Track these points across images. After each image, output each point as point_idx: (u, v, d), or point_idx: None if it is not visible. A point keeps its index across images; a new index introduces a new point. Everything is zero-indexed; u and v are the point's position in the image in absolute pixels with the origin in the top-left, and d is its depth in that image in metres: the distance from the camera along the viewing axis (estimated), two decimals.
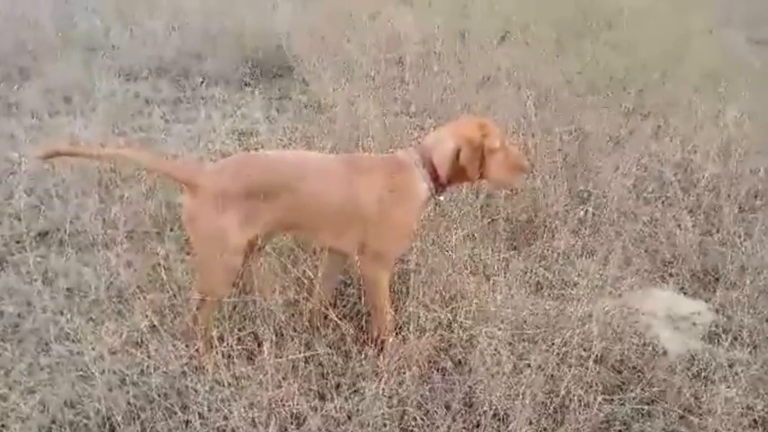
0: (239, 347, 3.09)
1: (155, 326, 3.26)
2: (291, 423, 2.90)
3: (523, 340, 3.41)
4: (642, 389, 3.24)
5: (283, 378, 2.99)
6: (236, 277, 3.29)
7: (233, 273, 3.21)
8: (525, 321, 3.51)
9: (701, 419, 3.13)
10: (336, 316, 3.31)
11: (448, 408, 3.10)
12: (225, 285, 3.23)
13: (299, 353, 3.12)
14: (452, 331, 3.43)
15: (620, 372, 3.44)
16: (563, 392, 3.12)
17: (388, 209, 3.24)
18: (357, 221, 3.24)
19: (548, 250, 4.31)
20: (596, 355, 3.23)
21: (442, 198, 3.53)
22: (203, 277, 3.23)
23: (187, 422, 2.91)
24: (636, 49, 7.74)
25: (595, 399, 3.09)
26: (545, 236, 4.45)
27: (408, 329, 3.28)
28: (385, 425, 2.93)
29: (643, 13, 9.30)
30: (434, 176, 3.34)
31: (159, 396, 2.99)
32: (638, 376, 3.40)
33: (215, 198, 3.08)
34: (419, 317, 3.38)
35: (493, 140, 3.34)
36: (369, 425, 2.92)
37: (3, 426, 2.98)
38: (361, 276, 3.44)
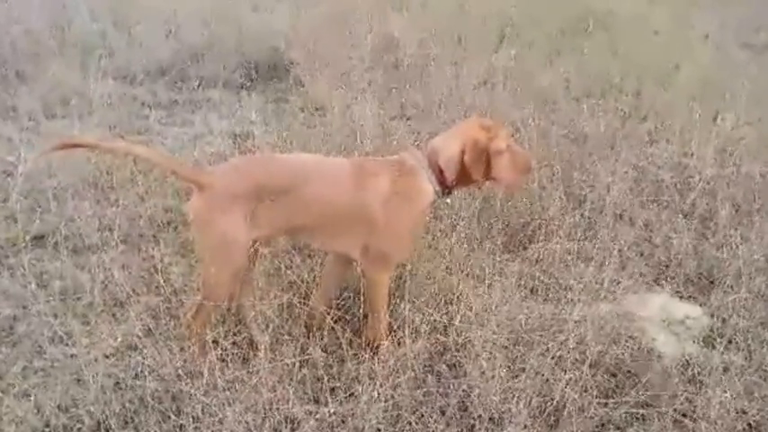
0: (234, 351, 3.09)
1: (149, 329, 3.27)
2: (286, 427, 2.90)
3: (519, 344, 3.40)
4: (637, 393, 3.23)
5: (278, 382, 2.98)
6: (240, 278, 3.27)
7: (238, 273, 3.20)
8: (521, 325, 3.50)
9: (695, 423, 3.13)
10: (331, 319, 3.31)
11: (443, 412, 3.10)
12: (229, 286, 3.22)
13: (294, 357, 3.12)
14: (448, 335, 3.42)
15: (615, 375, 3.44)
16: (558, 396, 3.12)
17: (394, 211, 3.24)
18: (362, 223, 3.25)
19: (544, 254, 4.31)
20: (591, 359, 3.23)
21: (449, 200, 3.52)
22: (207, 277, 3.20)
23: (181, 426, 2.90)
24: (632, 52, 7.74)
25: (590, 403, 3.11)
26: (541, 239, 4.45)
27: (404, 333, 3.27)
28: (380, 429, 2.94)
29: (639, 17, 9.31)
30: (441, 178, 3.34)
31: (153, 400, 2.99)
32: (633, 380, 3.40)
33: (222, 198, 3.09)
34: (414, 320, 3.37)
35: (499, 142, 3.33)
36: (363, 429, 2.92)
37: None
38: (364, 279, 3.44)
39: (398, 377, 3.09)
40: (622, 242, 4.43)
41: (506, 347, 3.32)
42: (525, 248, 4.45)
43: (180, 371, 3.01)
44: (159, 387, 3.05)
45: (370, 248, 3.29)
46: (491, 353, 3.19)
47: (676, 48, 8.05)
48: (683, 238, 4.49)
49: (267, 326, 3.23)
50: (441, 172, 3.32)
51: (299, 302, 3.48)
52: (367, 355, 3.22)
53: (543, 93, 6.57)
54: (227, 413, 2.83)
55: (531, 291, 4.02)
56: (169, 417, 2.95)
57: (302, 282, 3.68)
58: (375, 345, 3.40)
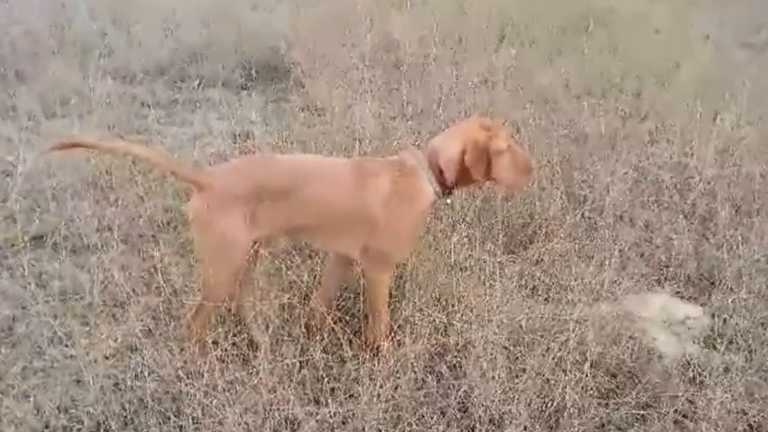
0: (234, 352, 3.09)
1: (149, 330, 3.27)
2: (286, 428, 2.90)
3: (519, 345, 3.40)
4: (637, 393, 3.23)
5: (278, 383, 2.97)
6: (239, 279, 3.26)
7: (237, 273, 3.19)
8: (521, 326, 3.50)
9: (696, 424, 3.12)
10: (331, 320, 3.30)
11: (443, 413, 3.10)
12: (228, 286, 3.21)
13: (294, 357, 3.11)
14: (448, 335, 3.42)
15: (615, 376, 3.43)
16: (558, 397, 3.11)
17: (394, 211, 3.23)
18: (363, 224, 3.24)
19: (544, 254, 4.30)
20: (592, 360, 3.22)
21: (449, 201, 3.51)
22: (207, 278, 3.20)
23: (181, 427, 2.90)
24: (632, 51, 7.73)
25: (591, 403, 3.11)
26: (541, 239, 4.44)
27: (404, 333, 3.27)
28: (380, 430, 2.93)
29: (639, 16, 9.30)
30: (441, 179, 3.33)
31: (153, 401, 2.99)
32: (634, 381, 3.39)
33: (222, 198, 3.09)
34: (415, 321, 3.37)
35: (499, 142, 3.32)
36: (364, 430, 2.92)
37: None
38: (364, 279, 3.43)
39: (399, 378, 3.09)
40: (623, 242, 4.43)
41: (507, 348, 3.32)
42: (526, 248, 4.44)
43: (180, 372, 3.01)
44: (159, 388, 3.05)
45: (370, 249, 3.28)
46: (491, 353, 3.19)
47: (676, 47, 8.04)
48: (683, 239, 4.48)
49: (267, 326, 3.23)
50: (441, 172, 3.32)
51: (299, 303, 3.48)
52: (367, 356, 3.22)
53: (543, 92, 6.56)
54: (227, 414, 2.82)
55: (532, 291, 4.00)
56: (169, 418, 2.95)
57: (302, 282, 3.67)
58: (375, 345, 3.40)
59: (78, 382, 3.23)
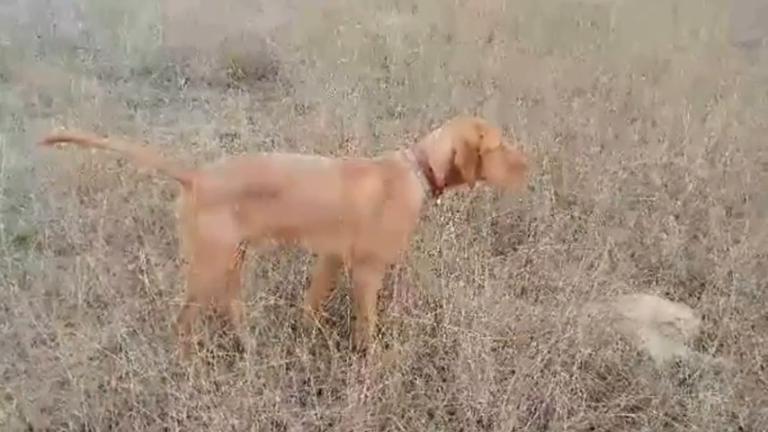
0: (220, 354, 3.05)
1: (134, 331, 3.23)
2: (272, 430, 2.87)
3: (508, 346, 3.37)
4: (627, 395, 3.22)
5: (264, 385, 2.95)
6: (226, 279, 3.23)
7: (224, 274, 3.17)
8: (510, 327, 3.48)
9: (686, 427, 3.11)
10: (319, 321, 3.27)
11: (431, 415, 3.07)
12: (215, 286, 3.19)
13: (281, 359, 3.08)
14: (436, 337, 3.39)
15: (605, 378, 3.41)
16: (547, 399, 3.09)
17: (384, 212, 3.22)
18: (351, 224, 3.21)
19: (533, 255, 4.28)
20: (581, 362, 3.20)
21: (439, 201, 3.48)
22: (193, 278, 3.19)
23: (166, 429, 2.87)
24: (622, 49, 7.72)
25: (580, 406, 3.08)
26: (530, 240, 4.43)
27: (391, 335, 3.24)
28: None
29: (630, 13, 9.30)
30: (431, 179, 3.30)
31: (138, 403, 2.95)
32: (624, 383, 3.38)
33: (210, 197, 3.07)
34: (402, 322, 3.34)
35: (490, 141, 3.31)
36: None
37: None
38: (353, 281, 3.41)
39: (386, 380, 3.06)
40: (612, 243, 4.40)
41: (495, 350, 3.29)
42: (515, 249, 4.42)
43: (165, 373, 2.99)
44: (144, 390, 3.01)
45: (359, 250, 3.25)
46: (480, 355, 3.16)
47: (667, 44, 8.04)
48: (673, 239, 4.47)
49: (253, 328, 3.19)
50: (431, 172, 3.29)
51: (286, 304, 3.45)
52: (355, 358, 3.19)
53: (532, 91, 6.54)
54: (213, 416, 2.79)
55: (521, 292, 3.99)
56: (154, 420, 2.92)
57: (289, 283, 3.63)
58: (363, 347, 3.37)
59: (62, 383, 3.19)
